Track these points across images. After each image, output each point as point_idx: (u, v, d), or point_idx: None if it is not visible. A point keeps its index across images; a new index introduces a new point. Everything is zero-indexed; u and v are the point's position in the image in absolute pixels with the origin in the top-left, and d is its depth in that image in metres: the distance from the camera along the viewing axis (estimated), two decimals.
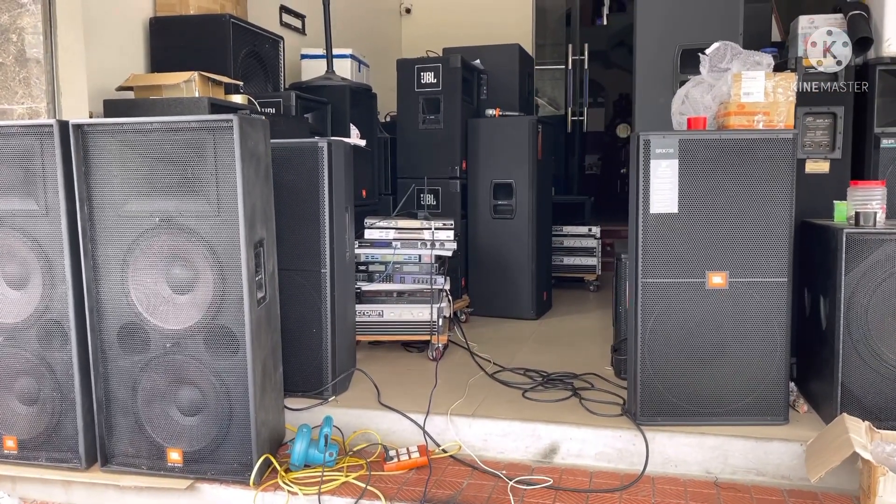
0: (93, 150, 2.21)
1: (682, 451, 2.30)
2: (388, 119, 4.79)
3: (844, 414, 2.16)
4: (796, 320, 2.61)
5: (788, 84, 2.29)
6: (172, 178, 2.19)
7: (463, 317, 4.02)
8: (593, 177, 10.17)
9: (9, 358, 2.36)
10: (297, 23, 4.64)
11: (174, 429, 2.28)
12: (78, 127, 2.20)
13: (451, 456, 2.42)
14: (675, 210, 2.30)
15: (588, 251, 5.14)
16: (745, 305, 2.33)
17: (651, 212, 2.31)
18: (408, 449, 2.37)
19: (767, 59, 2.36)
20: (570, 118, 7.06)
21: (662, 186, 2.29)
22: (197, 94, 3.00)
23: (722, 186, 2.30)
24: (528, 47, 6.19)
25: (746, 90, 2.33)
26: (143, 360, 2.26)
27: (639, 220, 2.32)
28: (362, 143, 3.13)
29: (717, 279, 2.32)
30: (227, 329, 2.21)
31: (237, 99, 3.23)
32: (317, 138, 2.60)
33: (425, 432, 2.47)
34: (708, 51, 2.45)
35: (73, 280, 2.26)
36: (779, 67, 2.58)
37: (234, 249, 2.17)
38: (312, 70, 4.28)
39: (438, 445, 2.46)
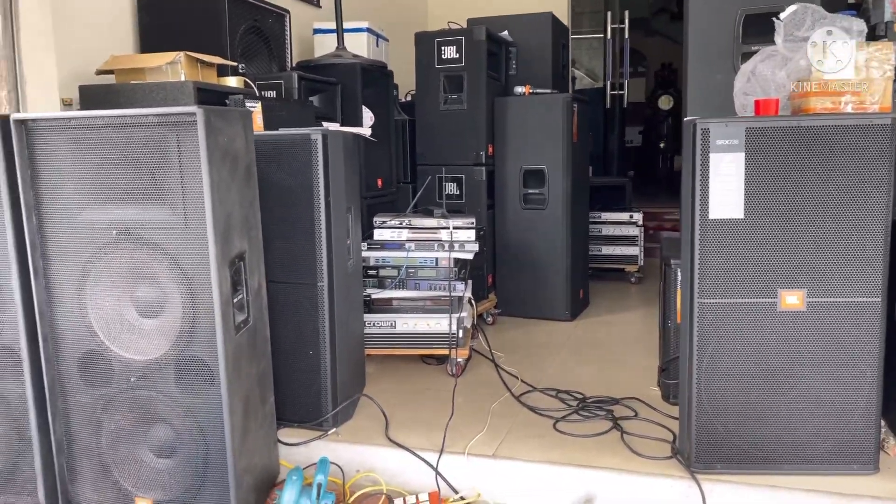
0: (40, 150, 1.86)
1: None
2: (408, 98, 4.38)
3: None
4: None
5: (886, 56, 1.83)
6: (132, 182, 1.83)
7: (490, 319, 3.64)
8: (634, 149, 9.66)
9: None
10: None
11: (144, 474, 1.95)
12: (21, 123, 1.85)
13: None
14: (740, 215, 1.88)
15: (629, 240, 4.69)
16: (827, 331, 1.90)
17: (710, 217, 1.88)
18: (417, 497, 2.02)
19: (859, 25, 1.90)
20: (608, 92, 6.53)
21: (725, 186, 1.86)
22: (183, 78, 2.64)
23: (799, 185, 1.86)
24: (564, 15, 5.70)
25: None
26: (106, 394, 1.94)
27: (695, 227, 1.90)
28: (367, 132, 2.74)
29: (791, 299, 1.89)
30: (199, 360, 1.86)
31: (231, 82, 2.86)
32: (310, 129, 2.22)
33: (439, 475, 2.11)
34: (783, 15, 1.99)
35: (23, 302, 1.93)
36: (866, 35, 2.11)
37: (205, 267, 1.81)
38: (326, 46, 3.89)
39: (456, 492, 2.09)
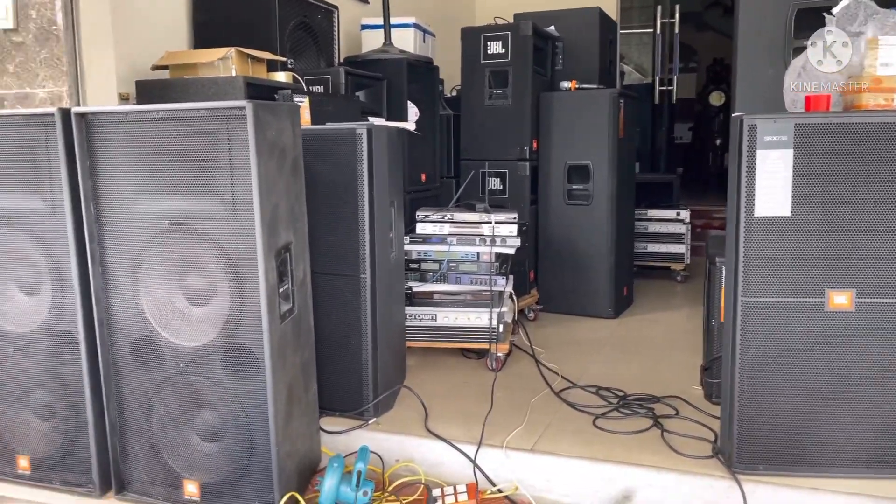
0: (98, 142, 1.94)
1: None
2: (453, 93, 4.40)
3: None
4: None
5: None
6: (183, 174, 1.89)
7: (531, 314, 3.64)
8: (682, 146, 9.50)
9: (23, 369, 2.16)
10: None
11: (192, 457, 2.02)
12: (81, 116, 1.93)
13: (506, 497, 2.08)
14: (787, 213, 1.85)
15: (676, 238, 4.63)
16: (876, 332, 1.85)
17: (756, 214, 1.86)
18: (455, 489, 2.04)
19: None
20: (657, 88, 6.44)
21: (772, 183, 1.83)
22: (234, 73, 2.71)
23: (849, 182, 1.82)
24: (613, 9, 5.65)
25: (884, 60, 1.83)
26: (156, 379, 2.01)
27: (740, 225, 1.88)
28: (411, 126, 2.77)
29: (840, 299, 1.86)
30: (245, 348, 1.92)
31: (280, 77, 2.93)
32: (356, 124, 2.26)
33: (477, 468, 2.13)
34: (835, 10, 1.95)
35: (81, 288, 2.02)
36: None
37: (252, 257, 1.87)
38: (373, 42, 3.94)
39: (494, 484, 2.11)
